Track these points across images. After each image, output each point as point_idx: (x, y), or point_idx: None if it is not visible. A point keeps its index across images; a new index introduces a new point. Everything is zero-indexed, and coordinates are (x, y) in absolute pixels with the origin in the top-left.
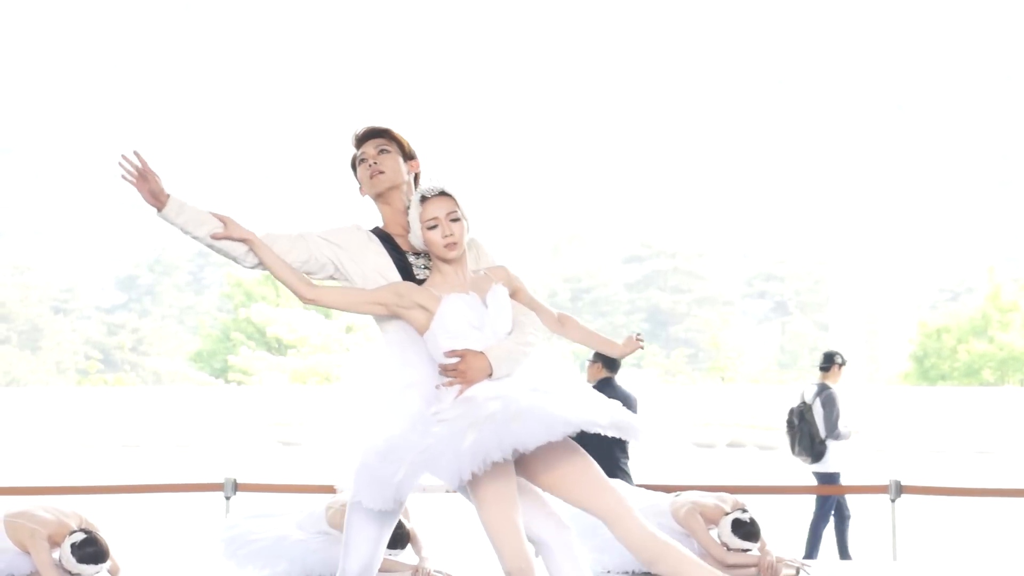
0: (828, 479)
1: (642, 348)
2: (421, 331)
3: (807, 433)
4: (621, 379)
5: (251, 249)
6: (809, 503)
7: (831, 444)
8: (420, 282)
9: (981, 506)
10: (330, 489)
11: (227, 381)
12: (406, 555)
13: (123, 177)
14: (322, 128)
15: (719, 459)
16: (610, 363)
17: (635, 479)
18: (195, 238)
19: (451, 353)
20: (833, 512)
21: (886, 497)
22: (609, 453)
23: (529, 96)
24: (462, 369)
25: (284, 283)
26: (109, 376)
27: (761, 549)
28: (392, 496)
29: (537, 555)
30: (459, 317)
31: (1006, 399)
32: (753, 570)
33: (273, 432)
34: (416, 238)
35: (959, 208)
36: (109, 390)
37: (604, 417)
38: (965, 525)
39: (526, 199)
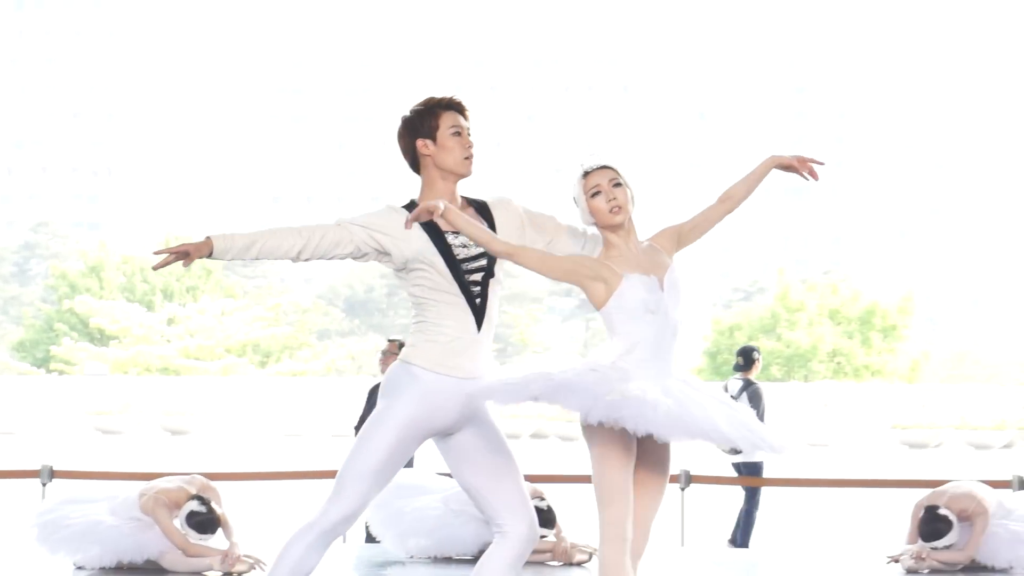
0: (752, 469)
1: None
2: (598, 305)
3: None
4: None
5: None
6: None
7: None
8: (460, 261)
9: (766, 495)
10: (145, 476)
11: (48, 371)
12: (216, 540)
13: (167, 263)
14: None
15: (523, 449)
16: None
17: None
18: (252, 259)
19: None
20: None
21: (676, 486)
22: None
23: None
24: None
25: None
26: None
27: (556, 535)
28: (521, 396)
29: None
30: (637, 299)
31: (791, 394)
32: (549, 555)
33: (92, 420)
34: (584, 214)
35: (753, 213)
36: None
37: (741, 439)
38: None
39: (348, 205)
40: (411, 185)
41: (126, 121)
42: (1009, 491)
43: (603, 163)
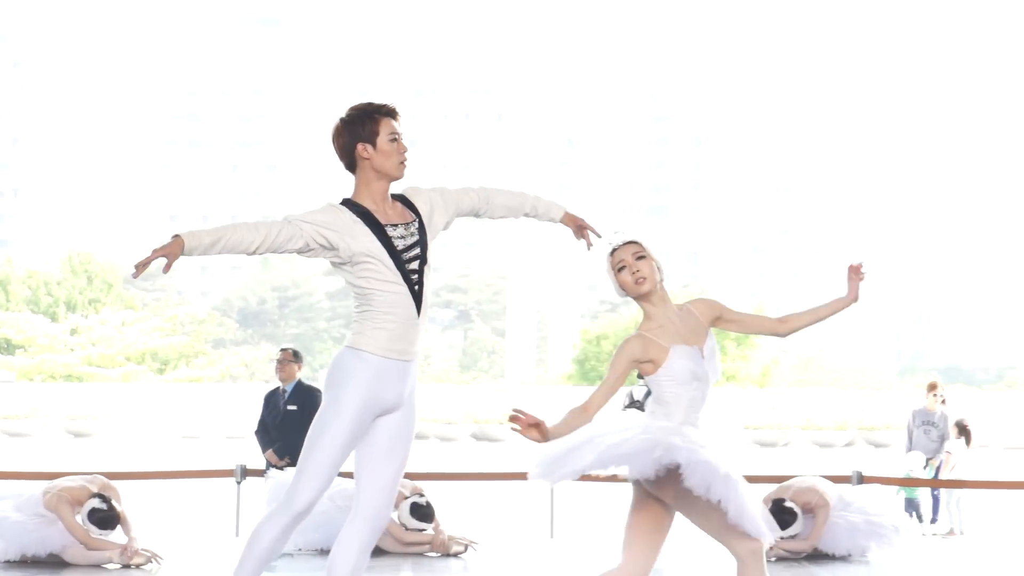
0: None
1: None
2: (646, 375)
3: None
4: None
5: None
6: (483, 488)
7: None
8: (400, 252)
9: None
10: (49, 476)
11: None
12: (116, 535)
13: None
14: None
15: None
16: None
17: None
18: (216, 255)
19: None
20: None
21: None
22: None
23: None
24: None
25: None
26: None
27: (435, 528)
28: (565, 474)
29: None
30: (685, 369)
31: None
32: (428, 546)
33: (0, 424)
34: (616, 288)
35: (607, 229)
36: None
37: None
38: (616, 508)
39: (239, 217)
40: (300, 204)
41: (31, 146)
42: (848, 485)
43: (628, 239)
